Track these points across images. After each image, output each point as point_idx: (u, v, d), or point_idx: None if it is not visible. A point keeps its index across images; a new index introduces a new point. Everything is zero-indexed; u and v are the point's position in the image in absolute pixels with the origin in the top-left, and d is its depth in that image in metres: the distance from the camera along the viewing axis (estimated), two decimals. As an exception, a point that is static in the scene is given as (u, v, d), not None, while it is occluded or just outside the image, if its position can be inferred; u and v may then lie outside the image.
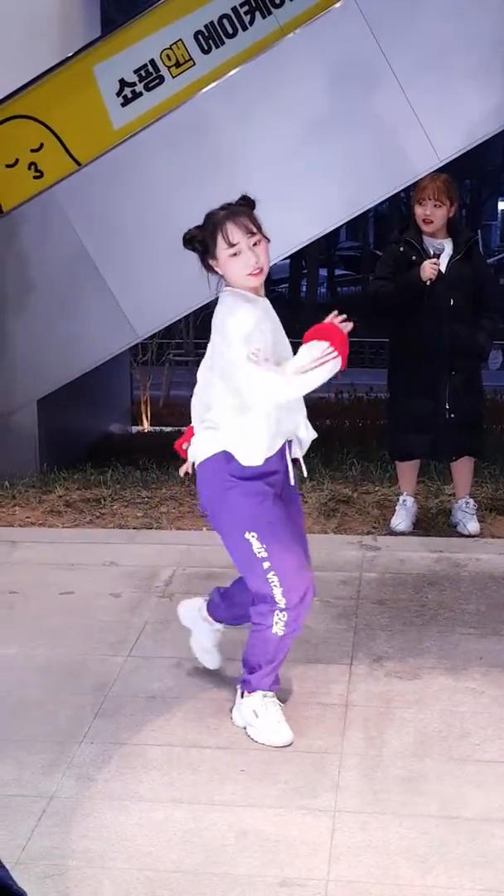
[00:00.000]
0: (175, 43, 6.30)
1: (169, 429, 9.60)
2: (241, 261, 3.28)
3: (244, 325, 3.25)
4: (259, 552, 3.33)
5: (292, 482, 3.47)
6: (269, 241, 3.35)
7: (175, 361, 14.99)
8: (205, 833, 2.91)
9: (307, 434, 3.49)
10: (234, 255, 3.28)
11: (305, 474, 3.54)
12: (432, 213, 4.96)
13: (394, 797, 3.08)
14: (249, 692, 3.43)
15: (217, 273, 3.38)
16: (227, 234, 3.28)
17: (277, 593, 3.33)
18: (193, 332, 15.09)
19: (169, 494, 6.04)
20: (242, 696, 3.45)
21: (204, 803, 3.05)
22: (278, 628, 3.34)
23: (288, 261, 26.61)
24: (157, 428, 10.16)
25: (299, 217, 6.21)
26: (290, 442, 3.44)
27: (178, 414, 12.12)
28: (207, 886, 2.69)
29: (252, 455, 3.32)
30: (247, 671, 3.46)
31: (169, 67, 6.32)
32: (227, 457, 3.36)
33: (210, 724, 3.49)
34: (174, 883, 2.70)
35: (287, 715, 3.50)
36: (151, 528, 5.52)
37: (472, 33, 5.97)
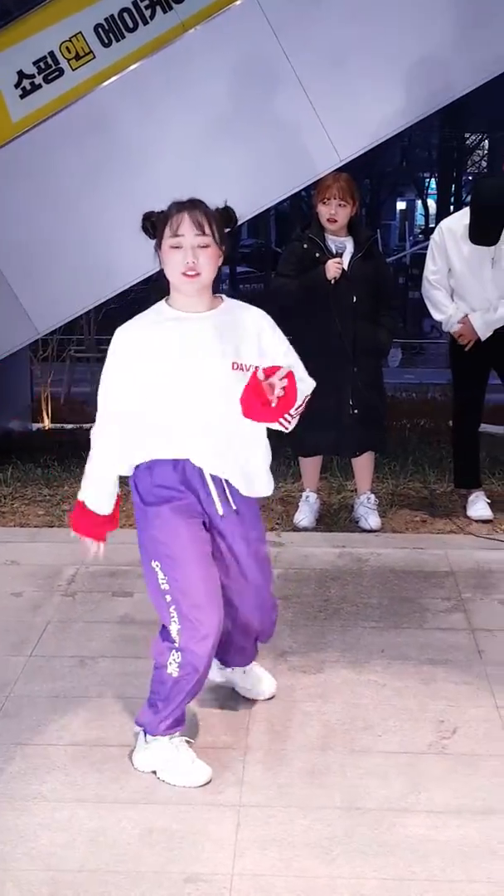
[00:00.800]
0: (75, 35, 6.23)
1: (70, 426, 9.52)
2: (179, 256, 3.04)
3: (104, 376, 3.19)
4: (162, 584, 3.16)
5: (219, 511, 3.19)
6: (222, 254, 3.11)
7: (76, 358, 14.87)
8: (109, 831, 2.90)
9: (211, 466, 3.16)
10: (175, 247, 3.05)
11: (220, 512, 3.20)
12: (337, 213, 5.01)
13: (297, 790, 3.11)
14: (152, 734, 3.20)
15: (162, 265, 3.14)
16: (174, 222, 3.05)
17: (174, 630, 3.13)
18: (95, 328, 14.99)
19: (71, 492, 5.98)
20: (146, 740, 3.22)
21: (108, 802, 3.04)
22: (172, 669, 3.14)
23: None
24: (59, 425, 10.06)
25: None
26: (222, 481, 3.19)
27: (79, 411, 12.04)
28: (112, 885, 2.68)
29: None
30: (146, 706, 3.24)
31: (69, 60, 6.25)
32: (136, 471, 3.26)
33: (114, 723, 3.48)
34: (79, 883, 2.69)
35: (191, 711, 3.50)
36: (53, 527, 5.47)
37: (374, 34, 6.04)
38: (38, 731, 3.42)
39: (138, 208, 6.44)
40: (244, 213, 6.67)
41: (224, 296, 3.25)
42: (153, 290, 3.38)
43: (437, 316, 5.45)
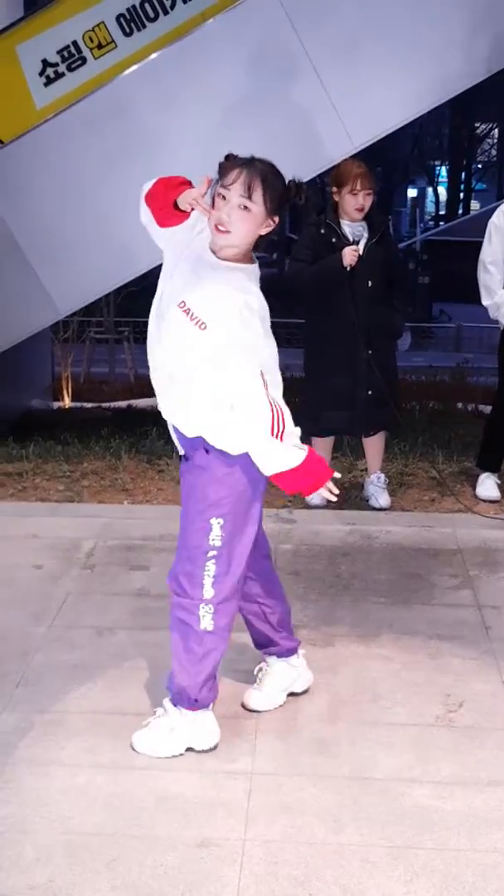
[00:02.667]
0: (97, 25, 6.19)
1: (90, 404, 9.53)
2: (218, 206, 2.91)
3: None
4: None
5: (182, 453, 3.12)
6: (270, 224, 2.98)
7: (96, 339, 14.88)
8: (125, 797, 2.90)
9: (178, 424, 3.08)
10: (221, 196, 2.91)
11: (181, 452, 3.12)
12: (365, 202, 4.98)
13: (308, 760, 3.10)
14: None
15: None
16: (230, 175, 2.91)
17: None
18: (114, 310, 14.97)
19: (90, 469, 5.99)
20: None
21: (124, 768, 3.04)
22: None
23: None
24: (78, 404, 10.08)
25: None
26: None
27: (98, 390, 12.06)
28: (127, 848, 2.68)
29: None
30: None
31: (91, 49, 6.22)
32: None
33: (130, 692, 3.47)
34: (95, 846, 2.69)
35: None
36: (73, 502, 5.47)
37: (389, 22, 5.97)
38: (58, 699, 3.42)
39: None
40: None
41: (255, 266, 3.07)
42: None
43: (485, 300, 5.30)
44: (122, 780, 2.98)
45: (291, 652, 3.44)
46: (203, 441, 3.03)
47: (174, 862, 2.63)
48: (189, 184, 2.99)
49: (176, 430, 3.11)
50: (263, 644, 3.43)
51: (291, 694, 3.44)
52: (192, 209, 2.95)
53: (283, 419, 2.96)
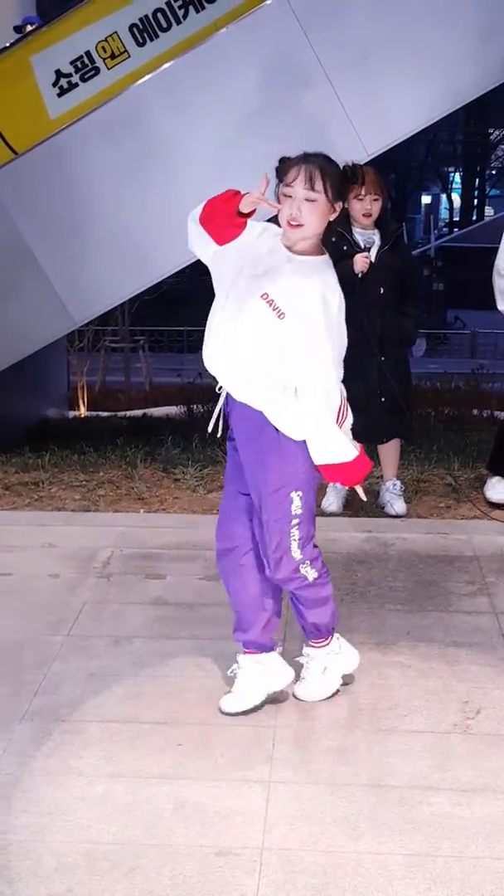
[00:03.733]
0: (110, 35, 6.22)
1: (105, 414, 9.56)
2: (286, 206, 3.13)
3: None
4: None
5: (218, 432, 3.39)
6: (335, 210, 3.17)
7: (111, 348, 14.92)
8: (143, 806, 2.90)
9: (226, 383, 3.27)
10: (286, 195, 3.14)
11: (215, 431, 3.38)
12: (372, 207, 4.98)
13: (325, 768, 3.10)
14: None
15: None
16: (291, 173, 3.13)
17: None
18: (129, 319, 15.01)
19: (106, 478, 6.00)
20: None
21: (142, 777, 3.04)
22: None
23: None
24: (94, 413, 10.10)
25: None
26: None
27: (113, 399, 12.09)
28: (145, 857, 2.68)
29: None
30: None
31: (104, 59, 6.25)
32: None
33: (148, 701, 3.48)
34: (113, 855, 2.69)
35: (222, 690, 3.50)
36: (89, 511, 5.48)
37: (402, 30, 5.98)
38: (75, 708, 3.42)
39: (171, 202, 6.48)
40: (272, 208, 6.67)
41: (327, 257, 3.27)
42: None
43: (501, 305, 5.33)
44: (140, 790, 2.98)
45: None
46: (247, 415, 3.25)
47: (192, 871, 2.63)
48: (239, 193, 3.14)
49: (242, 406, 3.25)
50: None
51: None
52: (254, 210, 3.11)
53: (347, 409, 3.24)
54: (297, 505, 3.28)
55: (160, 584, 4.44)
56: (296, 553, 3.32)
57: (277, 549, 3.31)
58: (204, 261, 3.30)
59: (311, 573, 3.36)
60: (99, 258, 6.21)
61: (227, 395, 3.30)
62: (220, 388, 3.32)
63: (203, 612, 4.16)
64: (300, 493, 3.28)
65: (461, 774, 3.04)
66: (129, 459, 6.26)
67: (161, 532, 5.10)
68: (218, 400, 3.36)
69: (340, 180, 3.18)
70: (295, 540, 3.31)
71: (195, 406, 8.67)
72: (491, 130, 33.56)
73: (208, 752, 3.17)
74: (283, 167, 3.17)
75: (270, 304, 3.13)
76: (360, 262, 4.95)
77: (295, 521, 3.30)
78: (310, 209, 3.12)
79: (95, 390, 12.69)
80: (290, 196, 3.13)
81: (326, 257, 3.26)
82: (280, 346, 3.14)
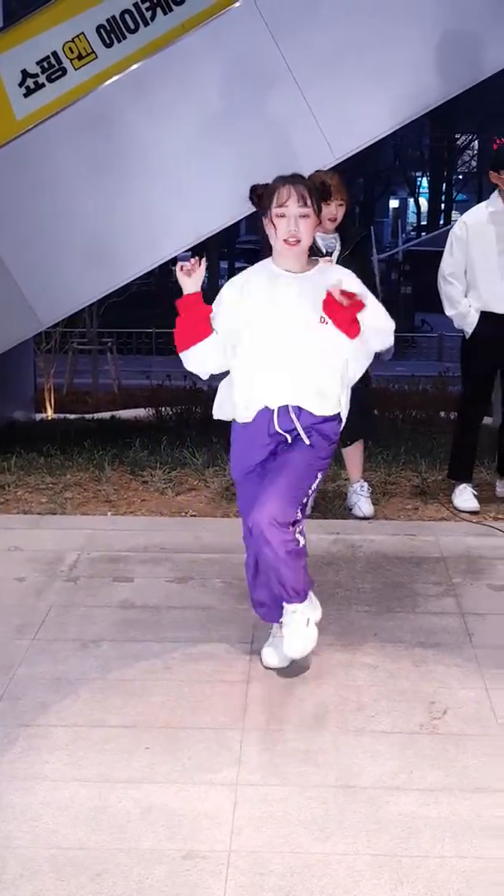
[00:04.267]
0: (77, 36, 6.18)
1: (73, 416, 9.51)
2: (283, 225, 3.39)
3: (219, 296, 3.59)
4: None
5: (306, 440, 3.57)
6: (319, 222, 3.51)
7: (78, 350, 14.85)
8: (110, 810, 2.89)
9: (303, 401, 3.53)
10: (280, 215, 3.40)
11: (307, 441, 3.57)
12: (337, 212, 4.99)
13: (293, 769, 3.09)
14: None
15: (266, 234, 3.52)
16: (281, 194, 3.40)
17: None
18: (97, 321, 14.95)
19: (74, 480, 5.97)
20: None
21: (109, 781, 3.03)
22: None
23: (189, 253, 26.59)
24: (61, 415, 10.05)
25: (201, 210, 6.18)
26: (290, 408, 3.53)
27: (82, 401, 12.03)
28: (112, 862, 2.66)
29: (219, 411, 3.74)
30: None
31: (71, 60, 6.20)
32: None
33: (115, 704, 3.46)
34: (80, 860, 2.67)
35: (190, 693, 3.49)
36: (56, 514, 5.45)
37: (368, 34, 5.99)
38: (41, 713, 3.40)
39: (139, 204, 6.47)
40: (242, 212, 6.67)
41: (319, 259, 3.63)
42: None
43: (449, 311, 5.39)
44: (107, 794, 2.96)
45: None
46: (322, 422, 3.56)
47: (160, 875, 2.62)
48: (185, 306, 3.55)
49: (295, 415, 3.53)
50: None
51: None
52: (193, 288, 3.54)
53: None
54: (318, 481, 3.63)
55: (127, 587, 4.42)
56: (296, 515, 3.54)
57: (285, 515, 3.49)
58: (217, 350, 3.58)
59: (301, 539, 3.58)
60: (66, 259, 6.17)
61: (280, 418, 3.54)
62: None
63: (171, 614, 4.15)
64: (322, 472, 3.64)
65: (428, 774, 3.05)
66: (97, 462, 6.23)
67: (129, 535, 5.08)
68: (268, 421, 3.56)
69: (319, 196, 3.50)
70: (298, 505, 3.55)
71: (164, 408, 8.64)
72: (458, 135, 33.77)
73: (175, 755, 3.16)
74: (269, 191, 3.43)
75: (327, 323, 3.44)
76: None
77: (306, 494, 3.60)
78: (305, 224, 3.41)
79: (63, 392, 12.62)
80: (283, 216, 3.40)
81: (318, 265, 3.56)
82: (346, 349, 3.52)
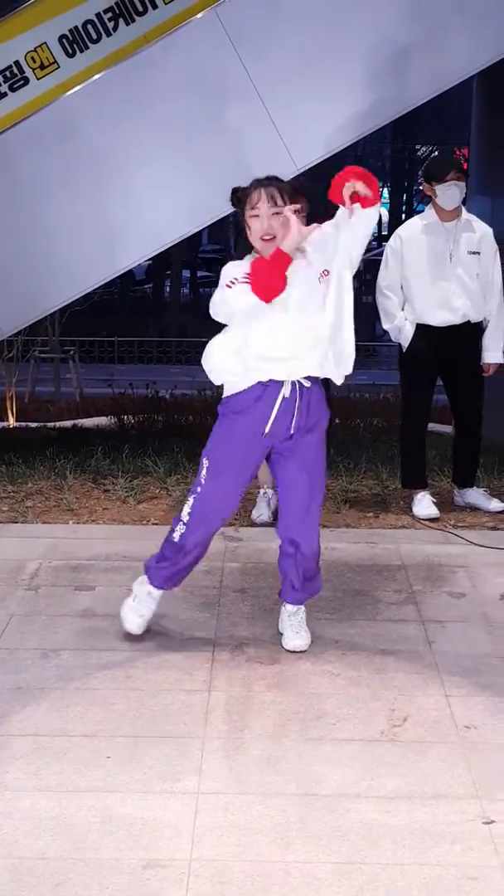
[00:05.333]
0: (39, 46, 6.18)
1: (35, 424, 9.46)
2: (257, 224, 3.63)
3: (225, 272, 3.68)
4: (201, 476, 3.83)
5: (291, 430, 3.74)
6: (299, 211, 3.64)
7: (41, 358, 14.77)
8: (70, 819, 2.87)
9: (322, 371, 3.76)
10: (254, 216, 3.64)
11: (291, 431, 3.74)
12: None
13: (254, 778, 3.09)
14: (149, 581, 3.94)
15: (246, 231, 3.70)
16: (253, 198, 3.64)
17: (185, 510, 3.84)
18: (59, 329, 14.89)
19: (35, 489, 5.93)
20: (141, 582, 3.97)
21: (70, 790, 3.01)
22: (176, 534, 3.86)
23: (151, 262, 26.53)
24: (23, 423, 9.99)
25: (162, 220, 6.18)
26: (297, 385, 3.71)
27: (43, 410, 11.97)
28: (73, 872, 2.65)
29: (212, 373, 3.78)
30: (154, 557, 3.95)
31: (34, 69, 6.20)
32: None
33: (76, 713, 3.44)
34: (40, 870, 2.65)
35: (151, 701, 3.48)
36: (17, 522, 5.41)
37: (331, 46, 6.04)
38: (1, 722, 3.37)
39: (101, 213, 6.46)
40: (204, 221, 6.68)
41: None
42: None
43: (386, 324, 5.47)
44: (68, 803, 2.94)
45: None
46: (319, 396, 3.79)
47: (120, 884, 2.60)
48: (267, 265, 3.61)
49: (306, 402, 3.74)
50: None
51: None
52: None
53: None
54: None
55: (89, 596, 4.40)
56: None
57: (316, 519, 3.89)
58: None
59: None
60: (27, 268, 6.15)
61: (291, 390, 3.70)
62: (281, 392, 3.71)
63: (132, 623, 4.13)
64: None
65: (388, 782, 3.06)
66: (59, 470, 6.20)
67: (90, 543, 5.06)
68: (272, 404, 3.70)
69: (292, 194, 3.73)
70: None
71: (126, 417, 8.62)
72: (419, 146, 34.00)
73: (137, 764, 3.15)
74: (243, 196, 3.67)
75: (325, 275, 3.65)
76: None
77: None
78: (279, 222, 3.60)
79: (24, 400, 12.56)
80: (257, 216, 3.63)
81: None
82: (335, 293, 3.68)
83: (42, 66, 6.20)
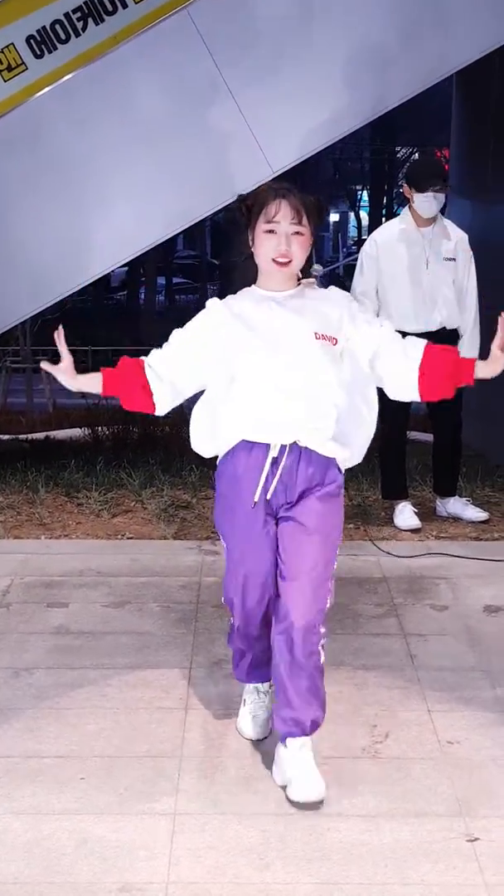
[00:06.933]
0: (6, 47, 6.17)
1: (6, 436, 9.43)
2: (273, 242, 3.00)
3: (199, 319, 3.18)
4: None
5: (268, 495, 3.10)
6: (312, 243, 3.07)
7: (12, 369, 14.76)
8: (44, 843, 2.87)
9: (313, 441, 3.08)
10: (269, 231, 3.00)
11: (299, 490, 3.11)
12: None
13: (233, 797, 3.10)
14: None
15: (250, 246, 3.09)
16: (271, 208, 2.99)
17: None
18: (31, 338, 14.87)
19: (6, 503, 5.92)
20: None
21: (43, 813, 3.01)
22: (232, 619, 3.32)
23: (126, 268, 26.54)
24: (-6, 436, 9.96)
25: (135, 225, 6.19)
26: (291, 447, 3.07)
27: (15, 421, 11.95)
28: (47, 895, 2.65)
29: (197, 444, 3.25)
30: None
31: (1, 71, 6.21)
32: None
33: (49, 734, 3.44)
34: (14, 893, 2.65)
35: (126, 720, 3.49)
36: (-13, 538, 5.41)
37: (307, 47, 6.07)
38: (-28, 744, 3.37)
39: (72, 218, 6.45)
40: (178, 226, 6.70)
41: (302, 279, 3.16)
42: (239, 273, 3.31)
43: None
44: (41, 826, 2.94)
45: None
46: (335, 462, 3.14)
47: (95, 908, 2.61)
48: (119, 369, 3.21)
49: (307, 462, 3.09)
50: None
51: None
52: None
53: None
54: (336, 560, 3.22)
55: (62, 613, 4.40)
56: (322, 622, 3.13)
57: (320, 619, 3.11)
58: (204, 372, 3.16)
59: (323, 654, 3.14)
60: (-1, 274, 6.15)
61: (284, 456, 3.08)
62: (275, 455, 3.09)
63: (107, 640, 4.14)
64: (338, 545, 3.25)
65: (370, 800, 3.08)
66: (31, 484, 6.20)
67: (63, 559, 5.05)
68: (261, 468, 3.10)
69: (315, 213, 3.05)
70: (326, 606, 3.15)
71: (100, 428, 8.61)
72: (397, 149, 34.18)
73: (112, 785, 3.15)
74: (258, 200, 3.02)
75: (324, 338, 3.05)
76: None
77: (330, 583, 3.17)
78: (298, 243, 3.01)
79: (-5, 412, 12.53)
80: (273, 231, 3.00)
81: (302, 285, 3.16)
82: (338, 367, 3.09)
83: (9, 68, 6.20)
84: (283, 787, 3.11)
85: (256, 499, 3.09)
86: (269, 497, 3.10)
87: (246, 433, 3.08)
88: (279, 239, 2.99)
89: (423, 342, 3.15)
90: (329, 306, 3.11)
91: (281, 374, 3.02)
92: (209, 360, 3.11)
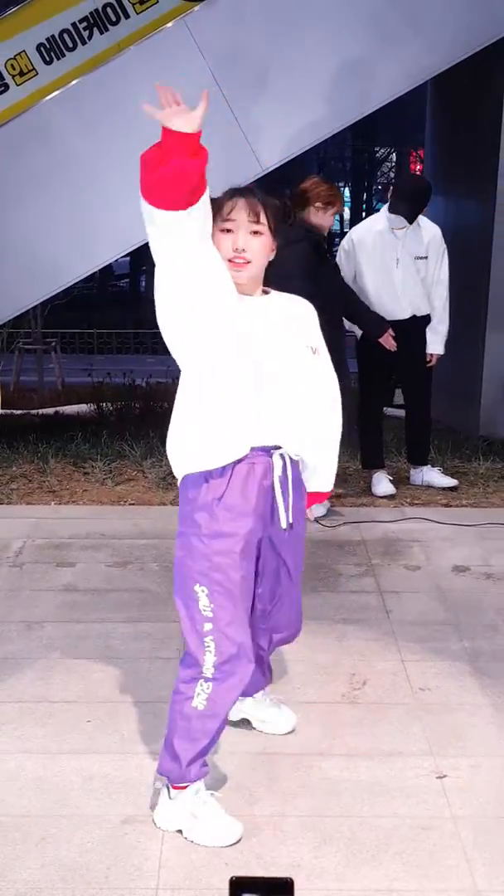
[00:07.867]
0: (18, 54, 6.13)
1: (19, 411, 9.41)
2: (228, 241, 2.50)
3: None
4: (204, 610, 2.59)
5: (283, 523, 2.69)
6: (274, 249, 2.59)
7: (24, 349, 14.69)
8: (53, 779, 2.88)
9: (304, 453, 2.73)
10: (226, 230, 2.51)
11: (312, 517, 2.90)
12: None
13: (223, 738, 3.08)
14: (176, 787, 2.65)
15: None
16: (227, 206, 2.52)
17: (209, 659, 2.60)
18: (42, 321, 14.80)
19: (19, 472, 5.91)
20: (169, 795, 2.66)
21: (53, 753, 3.02)
22: (199, 701, 2.62)
23: (128, 258, 26.39)
24: (8, 411, 9.93)
25: (134, 220, 6.13)
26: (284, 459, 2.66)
27: (27, 398, 11.89)
28: (56, 827, 2.66)
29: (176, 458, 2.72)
30: (165, 750, 2.68)
31: (13, 76, 6.15)
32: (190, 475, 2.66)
33: (58, 681, 3.44)
34: (25, 826, 2.66)
35: (129, 669, 3.49)
36: (2, 504, 5.40)
37: (294, 51, 6.03)
38: (-11, 690, 3.38)
39: (77, 215, 6.40)
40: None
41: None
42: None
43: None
44: (51, 764, 2.95)
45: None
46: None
47: (100, 838, 2.62)
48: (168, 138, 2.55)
49: (294, 494, 2.72)
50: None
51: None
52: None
53: None
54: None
55: (70, 572, 4.40)
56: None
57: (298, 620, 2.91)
58: (184, 267, 2.42)
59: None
60: (9, 265, 6.11)
61: (280, 471, 2.66)
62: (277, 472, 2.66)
63: (111, 596, 4.14)
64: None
65: (349, 741, 3.09)
66: (42, 455, 6.19)
67: (71, 523, 5.05)
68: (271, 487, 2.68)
69: (278, 216, 2.59)
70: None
71: (104, 404, 8.60)
72: (377, 148, 34.00)
73: (115, 727, 3.16)
74: (215, 204, 2.50)
75: (314, 352, 2.69)
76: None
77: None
78: (257, 242, 2.52)
79: (10, 389, 12.48)
80: (230, 231, 2.51)
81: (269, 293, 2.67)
82: (319, 376, 2.72)
83: (21, 73, 6.15)
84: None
85: (290, 520, 2.66)
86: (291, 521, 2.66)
87: (254, 440, 2.58)
88: (235, 237, 2.51)
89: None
90: (305, 315, 2.72)
91: (272, 382, 2.58)
92: (212, 296, 2.47)
